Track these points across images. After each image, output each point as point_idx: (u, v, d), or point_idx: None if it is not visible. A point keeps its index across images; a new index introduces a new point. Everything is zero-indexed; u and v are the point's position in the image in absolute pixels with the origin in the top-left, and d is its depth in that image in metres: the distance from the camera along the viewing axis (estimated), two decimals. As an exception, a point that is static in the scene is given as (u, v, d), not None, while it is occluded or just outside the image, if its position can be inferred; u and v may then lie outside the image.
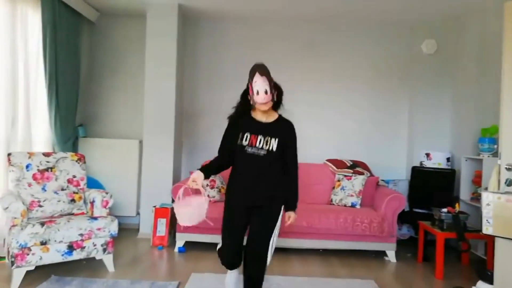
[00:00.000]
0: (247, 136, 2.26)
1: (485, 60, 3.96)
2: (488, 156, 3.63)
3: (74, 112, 4.24)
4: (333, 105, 4.72)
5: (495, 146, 3.64)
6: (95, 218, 3.06)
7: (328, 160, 4.41)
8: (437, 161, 4.41)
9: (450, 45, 4.49)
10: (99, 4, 4.33)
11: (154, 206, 3.86)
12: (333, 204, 4.05)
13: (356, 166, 4.29)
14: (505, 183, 2.48)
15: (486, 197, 2.46)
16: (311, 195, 4.15)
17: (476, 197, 3.82)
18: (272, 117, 2.33)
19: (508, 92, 2.46)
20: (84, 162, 3.50)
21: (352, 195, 3.96)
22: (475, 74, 4.10)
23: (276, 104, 2.33)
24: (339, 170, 4.25)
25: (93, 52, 4.70)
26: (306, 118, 4.56)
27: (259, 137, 2.25)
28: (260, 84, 2.18)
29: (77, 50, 4.28)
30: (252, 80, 2.20)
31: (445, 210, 3.48)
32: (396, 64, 4.70)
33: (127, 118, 4.66)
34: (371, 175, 4.26)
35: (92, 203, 3.24)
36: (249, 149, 2.25)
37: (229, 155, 2.34)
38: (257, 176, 2.26)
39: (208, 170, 2.36)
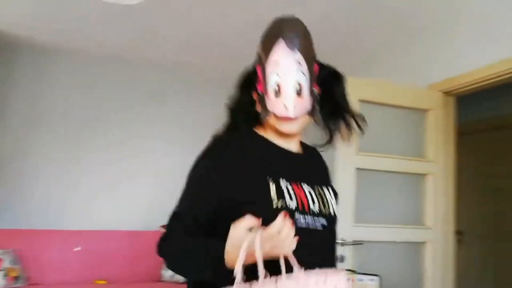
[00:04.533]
0: (287, 188, 0.96)
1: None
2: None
3: None
4: (174, 164, 4.23)
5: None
6: None
7: (163, 226, 3.82)
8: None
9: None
10: None
11: None
12: (163, 281, 3.44)
13: (193, 234, 3.83)
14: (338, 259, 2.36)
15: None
16: (138, 271, 3.49)
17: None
18: (293, 141, 1.07)
19: (342, 164, 2.43)
20: None
21: (186, 269, 3.44)
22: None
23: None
24: (174, 239, 3.71)
25: None
26: (140, 175, 3.99)
27: (306, 188, 1.01)
28: (286, 70, 0.93)
29: None
30: (267, 56, 0.95)
31: None
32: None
33: None
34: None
35: None
36: (302, 219, 0.95)
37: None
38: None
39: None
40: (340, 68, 1.10)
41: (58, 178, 3.74)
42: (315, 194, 1.02)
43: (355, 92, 2.47)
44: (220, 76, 4.30)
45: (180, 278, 3.39)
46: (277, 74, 0.93)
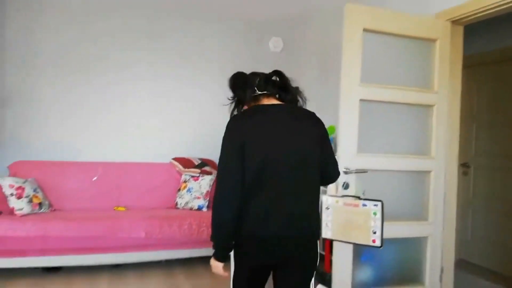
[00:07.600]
0: None
1: (327, 59, 4.10)
2: (327, 155, 3.76)
3: None
4: (181, 99, 4.32)
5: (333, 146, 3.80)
6: None
7: (174, 159, 4.01)
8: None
9: (296, 43, 4.57)
10: None
11: None
12: (178, 208, 3.69)
13: (205, 165, 4.01)
14: (343, 186, 2.49)
15: (325, 201, 2.42)
16: (154, 199, 3.74)
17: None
18: None
19: (345, 95, 2.46)
20: None
21: (199, 197, 3.66)
22: (318, 73, 4.24)
23: None
24: (186, 170, 3.90)
25: None
26: (150, 111, 4.10)
27: None
28: None
29: None
30: None
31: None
32: (244, 62, 4.54)
33: None
34: (220, 174, 4.04)
35: None
36: None
37: None
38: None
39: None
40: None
41: (71, 114, 3.87)
42: None
43: (358, 21, 2.42)
44: (218, 10, 4.23)
45: (193, 205, 3.63)
46: None
